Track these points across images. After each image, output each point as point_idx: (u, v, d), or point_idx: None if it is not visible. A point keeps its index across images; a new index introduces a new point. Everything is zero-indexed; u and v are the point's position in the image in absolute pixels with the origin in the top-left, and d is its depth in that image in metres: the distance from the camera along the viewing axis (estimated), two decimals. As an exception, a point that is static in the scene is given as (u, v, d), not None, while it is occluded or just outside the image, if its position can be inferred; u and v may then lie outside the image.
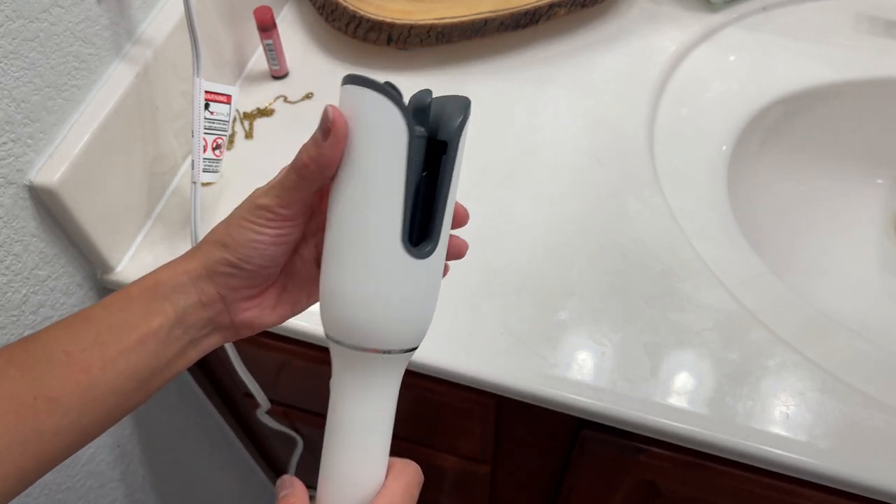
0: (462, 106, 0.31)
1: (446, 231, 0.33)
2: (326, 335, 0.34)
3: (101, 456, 0.67)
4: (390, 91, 0.30)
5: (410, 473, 0.38)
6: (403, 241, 0.31)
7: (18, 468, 0.33)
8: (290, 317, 0.40)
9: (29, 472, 0.34)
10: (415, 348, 0.34)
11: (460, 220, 0.37)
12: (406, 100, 0.31)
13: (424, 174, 0.32)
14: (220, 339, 0.39)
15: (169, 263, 0.37)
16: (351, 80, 0.31)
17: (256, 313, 0.38)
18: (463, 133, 0.32)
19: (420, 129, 0.31)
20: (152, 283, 0.36)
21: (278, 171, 0.37)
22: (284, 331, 0.56)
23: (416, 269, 0.32)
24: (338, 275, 0.33)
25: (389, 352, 0.33)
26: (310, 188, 0.34)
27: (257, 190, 0.37)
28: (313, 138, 0.33)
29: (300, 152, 0.34)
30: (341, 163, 0.33)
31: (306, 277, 0.40)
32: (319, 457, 0.38)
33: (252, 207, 0.36)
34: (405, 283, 0.32)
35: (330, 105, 0.32)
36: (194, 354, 0.38)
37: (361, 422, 0.35)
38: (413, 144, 0.30)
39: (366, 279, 0.32)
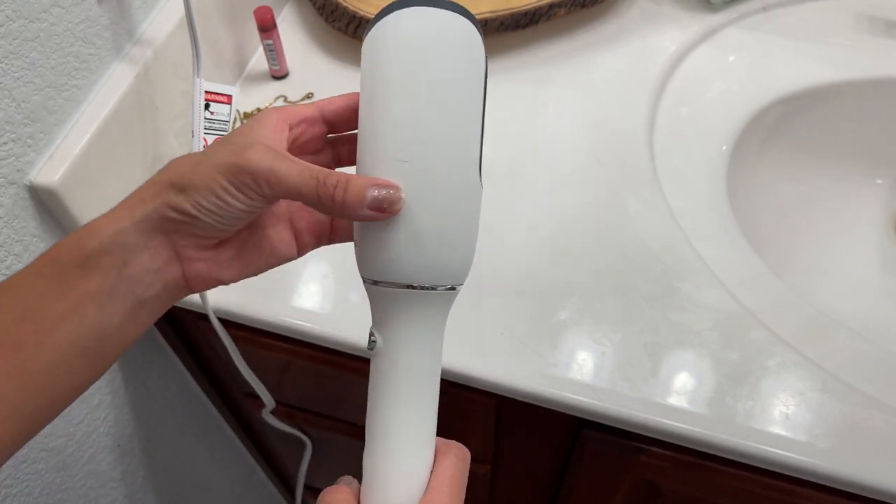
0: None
1: None
2: (386, 282, 0.31)
3: (101, 456, 0.67)
4: (468, 12, 0.28)
5: (457, 459, 0.35)
6: (479, 171, 0.30)
7: None
8: (245, 277, 0.35)
9: None
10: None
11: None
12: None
13: None
14: (170, 297, 0.33)
15: (110, 210, 0.31)
16: (418, 1, 0.28)
17: (209, 266, 0.33)
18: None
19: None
20: (85, 235, 0.30)
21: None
22: (284, 330, 0.56)
23: (480, 198, 0.31)
24: (417, 212, 0.30)
25: (455, 288, 0.32)
26: (314, 207, 0.31)
27: (251, 133, 0.31)
28: (359, 197, 0.29)
29: (345, 190, 0.29)
30: (406, 92, 0.29)
31: (268, 244, 0.35)
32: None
33: (236, 168, 0.30)
34: (476, 214, 0.31)
35: (385, 187, 0.29)
36: (145, 317, 0.32)
37: (419, 370, 0.32)
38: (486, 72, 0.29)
39: (451, 212, 0.30)
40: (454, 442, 0.35)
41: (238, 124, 0.67)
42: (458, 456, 0.35)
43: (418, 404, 0.33)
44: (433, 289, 0.31)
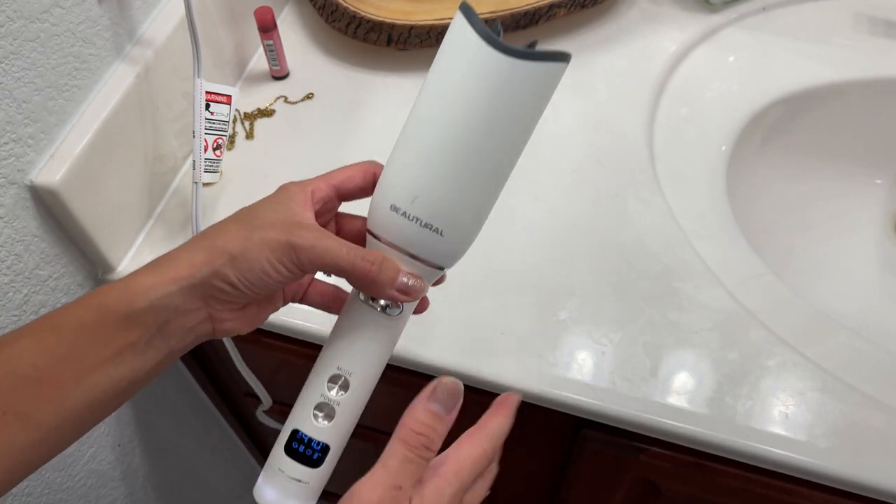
0: (554, 54, 0.32)
1: None
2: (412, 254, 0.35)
3: (101, 455, 0.68)
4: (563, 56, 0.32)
5: (487, 440, 0.37)
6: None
7: None
8: (259, 325, 0.39)
9: (3, 484, 0.32)
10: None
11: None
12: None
13: None
14: (196, 343, 0.37)
15: (155, 265, 0.34)
16: (521, 55, 0.31)
17: (236, 324, 0.37)
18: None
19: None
20: (134, 293, 0.33)
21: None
22: (284, 329, 0.56)
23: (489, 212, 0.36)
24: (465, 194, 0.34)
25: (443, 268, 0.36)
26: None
27: (285, 209, 0.35)
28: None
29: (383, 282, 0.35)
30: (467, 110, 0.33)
31: (279, 298, 0.40)
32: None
33: (287, 246, 0.33)
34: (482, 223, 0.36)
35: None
36: (171, 360, 0.36)
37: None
38: None
39: (485, 203, 0.35)
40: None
41: (238, 124, 0.67)
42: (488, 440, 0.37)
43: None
44: (429, 264, 0.35)
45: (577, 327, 0.53)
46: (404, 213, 0.34)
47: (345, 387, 0.36)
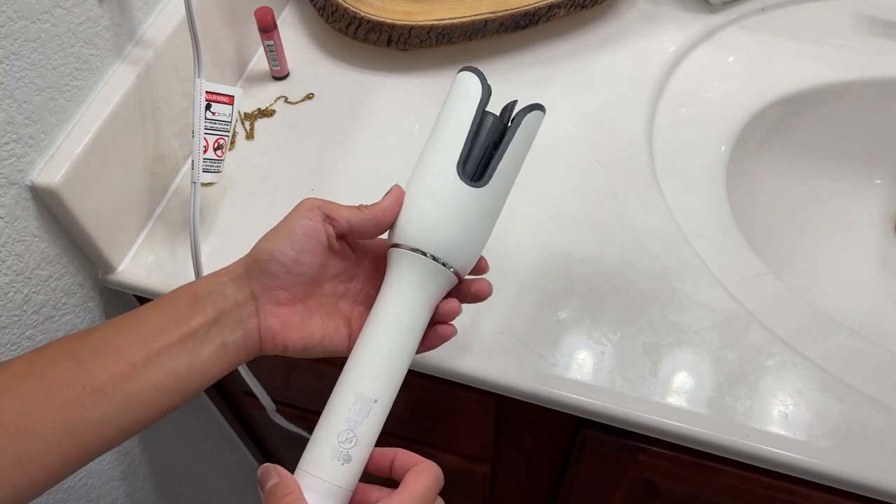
0: (531, 106, 0.42)
1: (501, 182, 0.42)
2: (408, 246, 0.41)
3: (102, 455, 0.68)
4: (478, 71, 0.42)
5: (433, 477, 0.39)
6: (458, 168, 0.40)
7: (61, 456, 0.35)
8: (310, 348, 0.43)
9: (70, 461, 0.35)
10: (456, 271, 0.42)
11: (481, 268, 0.45)
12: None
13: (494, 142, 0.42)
14: (246, 347, 0.41)
15: (219, 269, 0.42)
16: (463, 69, 0.42)
17: (281, 324, 0.41)
18: (525, 120, 0.41)
19: (494, 113, 0.42)
20: (196, 287, 0.40)
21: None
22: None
23: (466, 194, 0.41)
24: (416, 189, 0.42)
25: (434, 257, 0.41)
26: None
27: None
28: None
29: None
30: (441, 117, 0.42)
31: (333, 317, 0.44)
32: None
33: (315, 206, 0.41)
34: (454, 201, 0.41)
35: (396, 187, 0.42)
36: (225, 362, 0.40)
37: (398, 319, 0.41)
38: (483, 105, 0.41)
39: (430, 192, 0.41)
40: (435, 465, 0.40)
41: (238, 124, 0.67)
42: (434, 477, 0.39)
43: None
44: (444, 264, 0.41)
45: (576, 327, 0.53)
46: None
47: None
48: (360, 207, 0.42)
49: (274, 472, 0.38)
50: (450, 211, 0.41)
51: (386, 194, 0.42)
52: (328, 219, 0.41)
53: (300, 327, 0.42)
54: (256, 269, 0.40)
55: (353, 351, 0.42)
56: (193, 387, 0.39)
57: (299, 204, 0.42)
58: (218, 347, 0.39)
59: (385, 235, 0.44)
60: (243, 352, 0.41)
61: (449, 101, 0.42)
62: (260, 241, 0.41)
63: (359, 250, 0.45)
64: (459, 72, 0.43)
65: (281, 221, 0.41)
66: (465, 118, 0.41)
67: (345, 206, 0.42)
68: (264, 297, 0.41)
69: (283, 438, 0.85)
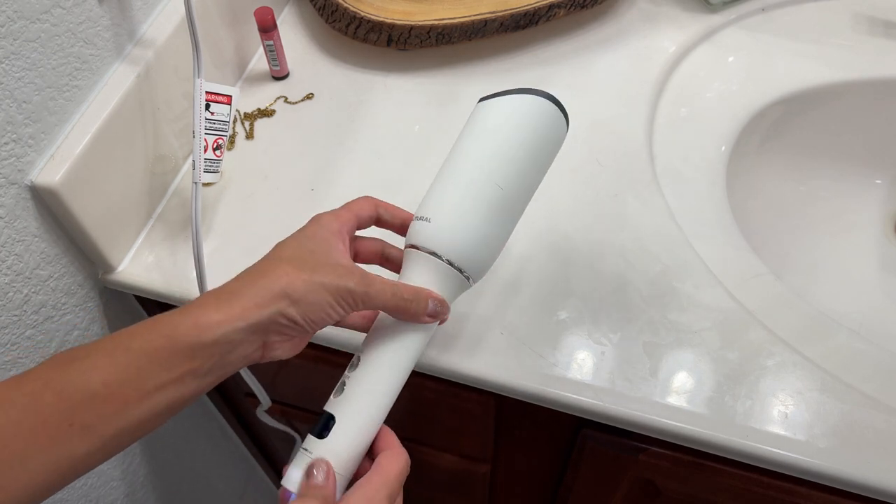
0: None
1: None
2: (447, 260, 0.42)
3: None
4: (559, 102, 0.44)
5: (403, 462, 0.40)
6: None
7: (46, 484, 0.34)
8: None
9: (52, 488, 0.34)
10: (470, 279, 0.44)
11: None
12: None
13: None
14: (244, 367, 0.41)
15: (220, 300, 0.37)
16: (539, 93, 0.43)
17: (285, 352, 0.41)
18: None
19: None
20: (203, 326, 0.36)
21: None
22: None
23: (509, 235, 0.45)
24: (484, 222, 0.43)
25: (450, 262, 0.43)
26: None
27: (330, 249, 0.41)
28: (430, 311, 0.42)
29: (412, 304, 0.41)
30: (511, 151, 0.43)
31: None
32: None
33: (346, 291, 0.39)
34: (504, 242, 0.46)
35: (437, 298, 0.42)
36: (218, 382, 0.39)
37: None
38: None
39: (501, 227, 0.45)
40: (405, 451, 0.41)
41: (238, 124, 0.67)
42: (404, 462, 0.40)
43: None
44: (460, 270, 0.43)
45: (576, 327, 0.53)
46: (426, 219, 0.43)
47: (355, 365, 0.42)
48: (429, 310, 0.42)
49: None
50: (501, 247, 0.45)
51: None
52: (353, 301, 0.40)
53: (302, 342, 0.42)
54: (276, 324, 0.38)
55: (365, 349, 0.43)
56: (185, 407, 0.38)
57: (344, 281, 0.39)
58: (219, 378, 0.38)
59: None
60: (239, 370, 0.41)
61: (537, 133, 0.44)
62: (286, 298, 0.37)
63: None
64: (542, 97, 0.43)
65: (316, 286, 0.38)
66: (548, 161, 0.45)
67: (379, 284, 0.40)
68: (275, 338, 0.39)
69: (283, 438, 0.85)
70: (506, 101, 0.43)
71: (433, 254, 0.42)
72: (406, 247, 0.44)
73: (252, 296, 0.37)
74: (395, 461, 0.39)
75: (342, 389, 0.41)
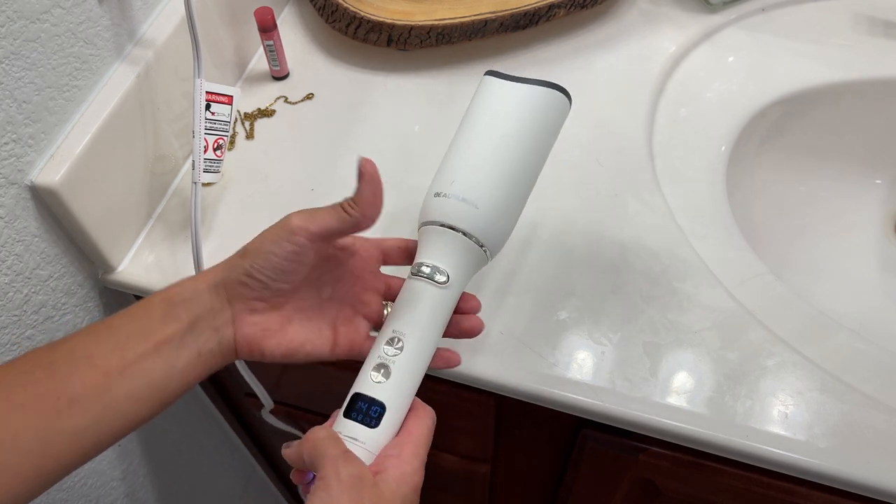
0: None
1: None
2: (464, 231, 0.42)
3: (102, 455, 0.68)
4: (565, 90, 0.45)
5: (430, 421, 0.41)
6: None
7: (37, 468, 0.34)
8: (290, 354, 0.42)
9: (47, 474, 0.35)
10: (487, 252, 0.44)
11: (472, 307, 0.46)
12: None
13: None
14: (222, 356, 0.40)
15: (197, 274, 0.41)
16: (556, 87, 0.44)
17: (258, 332, 0.40)
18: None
19: None
20: (173, 292, 0.39)
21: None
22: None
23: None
24: (502, 192, 0.43)
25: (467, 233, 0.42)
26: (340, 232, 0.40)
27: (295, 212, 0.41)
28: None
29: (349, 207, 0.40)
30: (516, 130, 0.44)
31: (315, 320, 0.43)
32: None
33: (284, 228, 0.39)
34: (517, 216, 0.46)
35: (364, 158, 0.39)
36: (200, 368, 0.40)
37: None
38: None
39: (516, 202, 0.45)
40: (429, 408, 0.42)
41: (238, 124, 0.67)
42: (433, 421, 0.41)
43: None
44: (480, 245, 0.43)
45: (576, 327, 0.53)
46: (445, 195, 0.42)
47: (400, 347, 0.41)
48: (343, 207, 0.39)
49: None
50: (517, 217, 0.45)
51: (360, 181, 0.39)
52: (313, 237, 0.39)
53: (280, 334, 0.41)
54: (233, 280, 0.40)
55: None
56: (169, 395, 0.38)
57: (282, 224, 0.39)
58: (194, 355, 0.39)
59: (372, 230, 0.44)
60: (219, 359, 0.40)
61: (541, 117, 0.44)
62: (239, 254, 0.40)
63: (346, 249, 0.45)
64: (551, 88, 0.44)
65: (262, 237, 0.40)
66: (552, 140, 0.46)
67: (325, 210, 0.39)
68: (241, 306, 0.40)
69: (283, 439, 0.84)
70: (525, 89, 0.44)
71: (452, 228, 0.42)
72: (421, 225, 0.43)
73: (218, 265, 0.41)
74: (419, 424, 0.40)
75: (388, 374, 0.40)
